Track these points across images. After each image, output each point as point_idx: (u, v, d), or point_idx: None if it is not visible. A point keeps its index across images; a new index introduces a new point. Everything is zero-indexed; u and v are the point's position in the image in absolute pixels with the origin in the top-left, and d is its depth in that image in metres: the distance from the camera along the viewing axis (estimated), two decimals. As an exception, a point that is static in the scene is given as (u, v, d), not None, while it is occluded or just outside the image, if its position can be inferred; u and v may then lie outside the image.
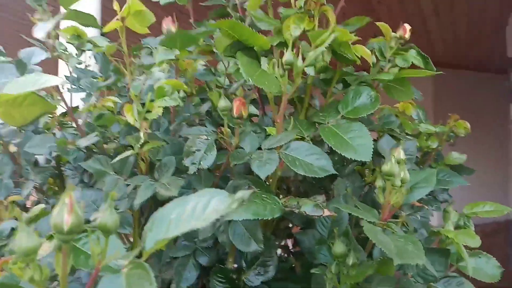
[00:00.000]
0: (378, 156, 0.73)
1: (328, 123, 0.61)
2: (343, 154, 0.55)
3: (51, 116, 0.92)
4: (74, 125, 0.82)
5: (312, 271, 0.51)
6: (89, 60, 1.06)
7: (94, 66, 1.13)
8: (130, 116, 0.48)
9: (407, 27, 0.71)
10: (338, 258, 0.49)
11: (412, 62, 0.69)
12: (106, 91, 0.88)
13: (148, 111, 0.50)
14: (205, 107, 0.75)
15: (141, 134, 0.49)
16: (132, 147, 0.55)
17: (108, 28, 0.53)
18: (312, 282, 0.59)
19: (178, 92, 0.51)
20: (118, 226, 0.31)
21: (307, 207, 0.47)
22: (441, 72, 0.65)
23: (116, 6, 0.56)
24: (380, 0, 2.76)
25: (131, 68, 0.56)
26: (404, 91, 0.67)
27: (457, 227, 0.70)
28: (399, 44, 0.70)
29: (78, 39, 0.55)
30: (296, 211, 0.47)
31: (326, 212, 0.46)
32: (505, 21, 3.03)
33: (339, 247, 0.49)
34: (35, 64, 0.72)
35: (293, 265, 0.70)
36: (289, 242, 0.83)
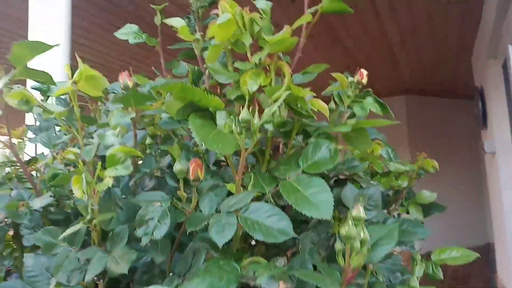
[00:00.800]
0: (342, 206, 0.73)
1: (288, 177, 0.60)
2: (304, 213, 0.54)
3: (13, 165, 0.89)
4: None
5: None
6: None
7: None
8: (78, 189, 0.46)
9: (364, 72, 0.73)
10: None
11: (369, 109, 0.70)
12: (69, 141, 0.86)
13: (100, 179, 0.48)
14: (166, 160, 0.74)
15: (89, 208, 0.46)
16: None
17: (59, 93, 0.51)
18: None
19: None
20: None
21: (262, 279, 0.45)
22: (397, 121, 0.66)
23: (67, 69, 0.55)
24: (350, 34, 2.84)
25: (83, 133, 0.54)
26: (362, 140, 0.67)
27: (427, 274, 0.69)
28: (358, 90, 0.71)
29: (27, 103, 0.53)
30: (252, 283, 0.46)
31: (282, 286, 0.45)
32: (468, 49, 3.16)
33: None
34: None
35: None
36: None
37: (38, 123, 0.93)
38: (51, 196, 0.67)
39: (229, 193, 0.61)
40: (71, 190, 0.73)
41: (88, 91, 0.54)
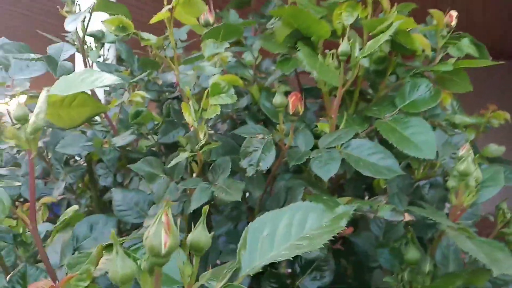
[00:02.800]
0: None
1: (384, 117, 0.57)
2: (405, 152, 0.52)
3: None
4: (101, 121, 0.79)
5: (385, 279, 0.48)
6: (107, 53, 1.03)
7: (112, 60, 1.09)
8: (188, 115, 0.45)
9: (454, 13, 0.67)
10: (411, 264, 0.46)
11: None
12: (131, 86, 0.85)
13: (203, 110, 0.47)
14: (243, 102, 0.72)
15: (202, 135, 0.45)
16: (172, 147, 0.52)
17: (156, 18, 0.49)
18: (372, 287, 0.56)
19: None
20: (210, 244, 0.28)
21: (385, 211, 0.44)
22: (498, 62, 0.61)
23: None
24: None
25: (178, 63, 0.52)
26: (461, 83, 0.63)
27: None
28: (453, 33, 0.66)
29: (124, 30, 0.51)
30: (371, 215, 0.44)
31: (407, 217, 0.43)
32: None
33: (413, 253, 0.45)
34: (64, 60, 0.69)
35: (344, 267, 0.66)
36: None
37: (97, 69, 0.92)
38: (131, 134, 0.66)
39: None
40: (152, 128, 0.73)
41: (183, 18, 0.51)
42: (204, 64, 0.51)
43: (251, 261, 0.28)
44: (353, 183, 0.70)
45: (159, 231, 0.25)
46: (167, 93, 0.88)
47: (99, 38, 0.92)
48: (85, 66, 0.75)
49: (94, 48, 0.88)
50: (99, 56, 0.88)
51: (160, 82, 0.88)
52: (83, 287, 0.34)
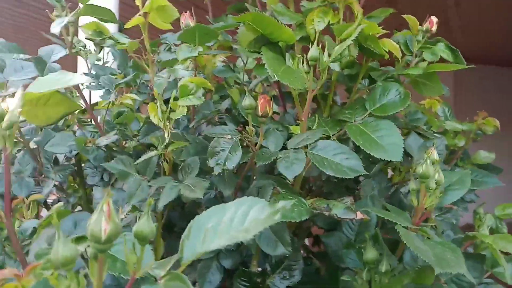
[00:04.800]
0: (405, 155, 0.71)
1: (354, 121, 0.59)
2: (372, 154, 0.53)
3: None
4: (93, 122, 0.81)
5: (342, 278, 0.49)
6: (107, 57, 1.05)
7: (111, 63, 1.12)
8: (154, 116, 0.47)
9: (434, 19, 0.69)
10: (369, 264, 0.47)
11: (440, 56, 0.66)
12: (125, 88, 0.87)
13: (172, 111, 0.49)
14: (225, 104, 0.74)
15: (166, 135, 0.47)
16: (154, 147, 0.54)
17: (130, 24, 0.52)
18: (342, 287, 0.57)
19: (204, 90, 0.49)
20: (154, 234, 0.30)
21: (338, 209, 0.45)
22: (472, 65, 0.63)
23: (138, 1, 0.55)
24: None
25: (153, 65, 0.55)
26: (433, 87, 0.64)
27: (489, 229, 0.67)
28: (426, 38, 0.68)
29: (100, 35, 0.54)
30: (326, 213, 0.46)
31: (359, 215, 0.45)
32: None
33: (371, 253, 0.47)
34: (54, 62, 0.71)
35: (317, 268, 0.68)
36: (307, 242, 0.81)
37: (93, 72, 0.95)
38: (115, 134, 0.69)
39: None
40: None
41: (158, 24, 0.54)
42: (177, 67, 0.53)
43: (193, 251, 0.30)
44: (332, 185, 0.72)
45: (100, 219, 0.27)
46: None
47: (98, 42, 0.94)
48: (77, 70, 0.78)
49: (93, 52, 0.91)
50: (99, 59, 0.92)
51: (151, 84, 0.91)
52: (46, 276, 0.36)
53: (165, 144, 0.47)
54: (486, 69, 3.91)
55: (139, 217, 0.36)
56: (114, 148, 0.75)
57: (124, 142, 0.79)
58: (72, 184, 0.89)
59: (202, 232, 0.31)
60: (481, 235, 0.54)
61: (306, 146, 0.53)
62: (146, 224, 0.30)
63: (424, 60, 0.67)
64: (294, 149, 0.52)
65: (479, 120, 1.00)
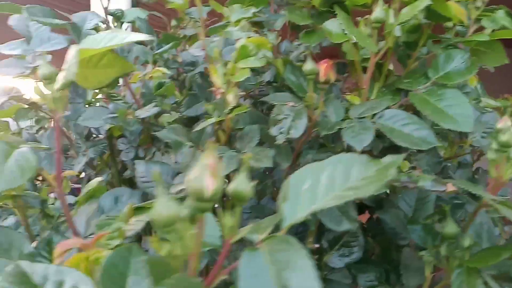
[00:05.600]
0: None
1: (416, 90, 0.55)
2: (441, 125, 0.50)
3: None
4: (121, 97, 0.78)
5: (422, 253, 0.46)
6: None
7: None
8: (217, 78, 0.43)
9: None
10: (449, 239, 0.44)
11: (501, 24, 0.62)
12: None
13: (231, 75, 0.45)
14: (267, 76, 0.70)
15: (230, 98, 0.44)
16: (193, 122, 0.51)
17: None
18: (402, 265, 0.54)
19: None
20: (253, 194, 0.26)
21: (426, 182, 0.42)
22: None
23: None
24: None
25: (203, 30, 0.51)
26: (496, 55, 0.60)
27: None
28: (485, 4, 0.64)
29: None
30: (411, 186, 0.42)
31: (450, 187, 0.41)
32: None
33: (451, 227, 0.43)
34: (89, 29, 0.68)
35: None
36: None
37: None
38: (155, 106, 0.65)
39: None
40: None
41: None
42: (231, 29, 0.49)
43: (293, 213, 0.27)
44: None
45: (202, 174, 0.23)
46: (187, 72, 0.87)
47: (118, 17, 0.91)
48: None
49: (113, 27, 0.87)
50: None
51: (180, 60, 0.87)
52: (115, 246, 0.33)
53: (228, 109, 0.44)
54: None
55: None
56: (151, 122, 0.71)
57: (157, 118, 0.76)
58: (100, 161, 0.86)
59: (299, 193, 0.28)
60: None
61: (371, 116, 0.49)
62: (245, 183, 0.26)
63: (481, 28, 0.63)
64: (359, 118, 0.49)
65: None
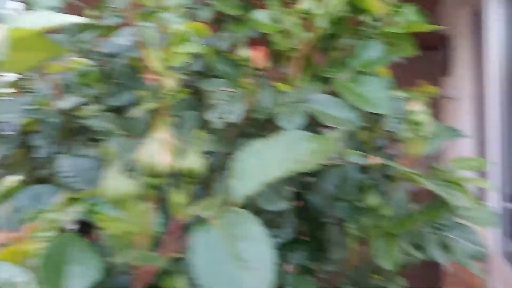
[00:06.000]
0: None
1: (339, 77, 0.59)
2: (362, 108, 0.54)
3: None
4: (34, 89, 0.72)
5: (346, 225, 0.50)
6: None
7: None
8: (155, 62, 0.42)
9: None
10: (372, 209, 0.48)
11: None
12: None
13: (167, 60, 0.44)
14: (197, 65, 0.70)
15: (170, 83, 0.43)
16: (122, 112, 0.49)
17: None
18: (326, 240, 0.58)
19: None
20: (204, 172, 0.27)
21: (351, 155, 0.46)
22: (441, 27, 0.66)
23: None
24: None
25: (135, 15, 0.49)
26: (406, 47, 0.67)
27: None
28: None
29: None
30: (339, 162, 0.46)
31: (372, 161, 0.45)
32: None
33: (373, 198, 0.48)
34: None
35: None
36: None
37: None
38: (80, 96, 0.62)
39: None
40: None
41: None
42: (166, 15, 0.48)
43: (244, 187, 0.28)
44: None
45: (154, 149, 0.23)
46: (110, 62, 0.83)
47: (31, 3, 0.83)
48: None
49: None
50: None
51: (101, 49, 0.83)
52: (52, 237, 0.31)
53: (166, 94, 0.43)
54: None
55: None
56: (72, 114, 0.67)
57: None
58: (13, 159, 0.79)
59: (248, 169, 0.29)
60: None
61: (301, 101, 0.52)
62: (197, 161, 0.27)
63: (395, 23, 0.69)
64: (293, 103, 0.51)
65: (418, 89, 1.07)
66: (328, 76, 0.60)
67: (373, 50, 0.60)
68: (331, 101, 0.53)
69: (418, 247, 0.56)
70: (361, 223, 0.50)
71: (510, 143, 1.79)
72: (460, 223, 0.62)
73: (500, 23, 1.87)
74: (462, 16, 2.58)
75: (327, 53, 0.65)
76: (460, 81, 2.73)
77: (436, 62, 3.47)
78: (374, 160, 0.46)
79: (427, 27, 0.64)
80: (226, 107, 0.47)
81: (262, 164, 0.28)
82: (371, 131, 0.76)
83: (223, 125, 0.46)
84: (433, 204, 0.47)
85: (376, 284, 0.64)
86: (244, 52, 0.49)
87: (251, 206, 0.54)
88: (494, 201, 1.96)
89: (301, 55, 0.56)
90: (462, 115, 2.71)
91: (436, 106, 3.82)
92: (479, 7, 2.15)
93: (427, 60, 4.00)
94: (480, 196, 2.39)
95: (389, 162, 0.47)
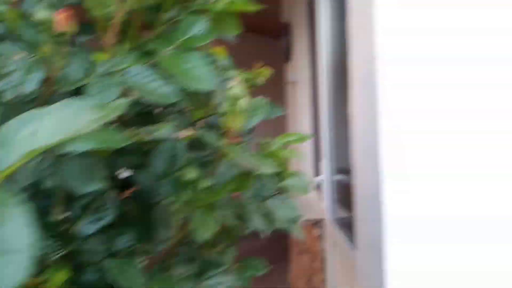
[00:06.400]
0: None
1: (163, 52, 0.57)
2: (186, 84, 0.54)
3: None
4: None
5: (167, 203, 0.49)
6: None
7: None
8: None
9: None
10: (189, 184, 0.48)
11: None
12: None
13: None
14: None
15: None
16: None
17: None
18: (153, 222, 0.57)
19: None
20: None
21: (164, 129, 0.44)
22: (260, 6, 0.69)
23: None
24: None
25: None
26: (230, 26, 0.68)
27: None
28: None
29: None
30: (149, 137, 0.44)
31: (184, 134, 0.45)
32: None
33: (190, 172, 0.48)
34: None
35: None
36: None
37: None
38: None
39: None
40: None
41: None
42: None
43: (6, 158, 0.24)
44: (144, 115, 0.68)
45: None
46: None
47: None
48: None
49: None
50: None
51: None
52: None
53: None
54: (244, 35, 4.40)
55: None
56: None
57: None
58: None
59: (17, 139, 0.25)
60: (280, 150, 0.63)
61: (117, 72, 0.48)
62: None
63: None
64: (105, 75, 0.47)
65: (255, 70, 1.13)
66: (153, 49, 0.58)
67: (197, 27, 0.60)
68: (150, 74, 0.50)
69: (240, 217, 0.59)
70: (182, 199, 0.50)
71: (337, 124, 2.05)
72: (280, 193, 0.68)
73: (328, 14, 2.10)
74: (299, 6, 2.82)
75: (153, 26, 0.62)
76: (299, 67, 2.99)
77: (280, 49, 3.74)
78: (187, 133, 0.46)
79: (250, 8, 0.66)
80: (20, 76, 0.40)
81: (32, 133, 0.25)
82: (198, 107, 0.77)
83: (15, 96, 0.40)
84: (242, 174, 0.50)
85: (208, 258, 0.66)
86: (43, 13, 0.43)
87: (61, 188, 0.49)
88: (328, 173, 2.23)
89: (119, 24, 0.52)
90: (301, 97, 3.00)
91: (280, 89, 4.15)
92: (312, -2, 2.37)
93: (273, 46, 4.29)
94: (316, 171, 2.69)
95: (204, 135, 0.47)
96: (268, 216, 0.62)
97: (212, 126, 0.76)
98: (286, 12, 3.46)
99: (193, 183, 0.48)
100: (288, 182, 0.68)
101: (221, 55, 1.04)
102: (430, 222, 0.94)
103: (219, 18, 0.68)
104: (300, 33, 2.87)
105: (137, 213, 0.64)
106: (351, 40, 1.24)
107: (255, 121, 0.60)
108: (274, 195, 0.66)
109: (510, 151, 0.93)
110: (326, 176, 2.26)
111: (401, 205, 0.94)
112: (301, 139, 0.84)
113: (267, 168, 0.44)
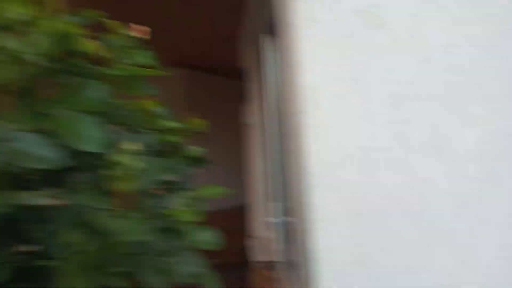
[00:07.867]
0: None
1: (58, 114, 0.60)
2: (73, 146, 0.56)
3: None
4: None
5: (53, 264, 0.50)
6: None
7: None
8: None
9: (137, 27, 0.77)
10: (75, 246, 0.50)
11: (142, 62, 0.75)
12: None
13: None
14: None
15: None
16: None
17: None
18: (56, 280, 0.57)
19: None
20: None
21: (31, 198, 0.46)
22: (166, 73, 0.74)
23: None
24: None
25: None
26: (139, 88, 0.72)
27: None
28: (133, 43, 0.75)
29: None
30: (24, 203, 0.45)
31: (53, 201, 0.46)
32: (233, 34, 3.58)
33: (73, 236, 0.49)
34: None
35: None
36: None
37: None
38: None
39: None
40: None
41: None
42: None
43: None
44: (41, 177, 0.69)
45: None
46: None
47: None
48: None
49: None
50: None
51: None
52: None
53: None
54: (205, 76, 4.50)
55: None
56: None
57: None
58: None
59: None
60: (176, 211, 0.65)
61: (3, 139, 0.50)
62: None
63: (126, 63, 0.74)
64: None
65: (189, 120, 1.17)
66: (47, 112, 0.60)
67: (94, 90, 0.63)
68: (35, 140, 0.52)
69: (132, 274, 0.60)
70: (66, 260, 0.51)
71: (283, 167, 2.10)
72: (183, 247, 0.69)
73: (271, 65, 2.21)
74: (251, 53, 2.94)
75: (49, 89, 0.64)
76: (252, 110, 3.08)
77: (236, 91, 3.83)
78: (55, 201, 0.48)
79: (152, 72, 0.71)
80: None
81: None
82: (85, 169, 0.79)
83: None
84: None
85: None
86: None
87: None
88: (278, 215, 2.25)
89: (11, 90, 0.54)
90: (255, 139, 3.06)
91: (238, 130, 4.21)
92: (259, 46, 2.48)
93: (231, 88, 4.39)
94: (268, 213, 2.72)
95: (79, 201, 0.49)
96: (165, 272, 0.64)
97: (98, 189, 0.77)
98: (242, 58, 3.59)
99: (77, 245, 0.50)
100: (195, 237, 0.70)
101: (151, 105, 1.08)
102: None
103: (126, 82, 0.72)
104: (253, 78, 2.98)
105: (43, 270, 0.64)
106: (284, 92, 1.32)
107: (154, 181, 0.63)
108: (177, 250, 0.67)
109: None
110: (276, 218, 2.29)
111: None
112: (217, 193, 0.87)
113: (130, 235, 0.45)
